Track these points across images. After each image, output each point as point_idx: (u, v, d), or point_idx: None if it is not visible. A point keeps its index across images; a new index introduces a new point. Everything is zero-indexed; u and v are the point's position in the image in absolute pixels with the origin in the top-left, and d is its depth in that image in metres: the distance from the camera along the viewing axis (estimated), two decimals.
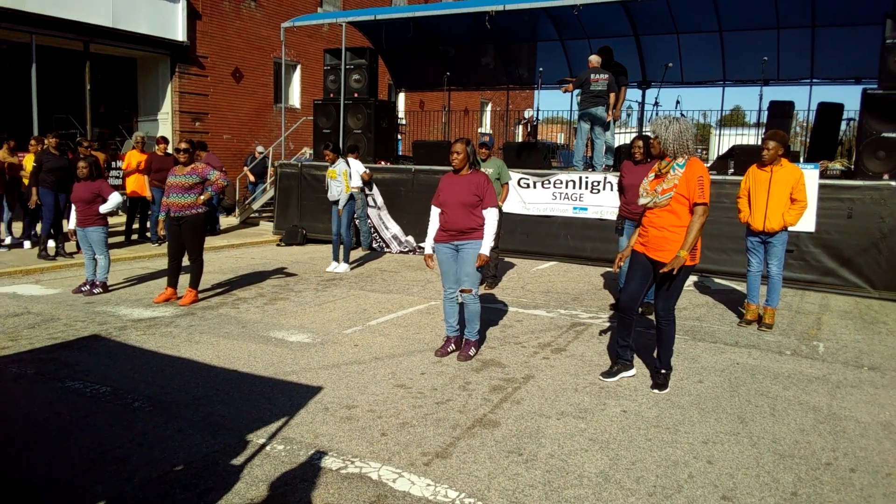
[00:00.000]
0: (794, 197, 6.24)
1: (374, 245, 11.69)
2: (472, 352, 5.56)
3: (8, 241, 10.45)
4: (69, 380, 4.75)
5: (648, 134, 4.67)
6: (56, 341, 5.67)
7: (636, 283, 4.85)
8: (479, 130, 27.28)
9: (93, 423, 4.03)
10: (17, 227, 10.78)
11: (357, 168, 11.12)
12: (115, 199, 7.47)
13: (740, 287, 8.86)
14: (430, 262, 5.58)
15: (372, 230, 11.72)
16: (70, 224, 7.61)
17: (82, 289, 7.52)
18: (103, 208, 7.40)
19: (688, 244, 4.49)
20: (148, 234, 11.68)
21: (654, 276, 4.77)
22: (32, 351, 5.39)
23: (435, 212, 5.53)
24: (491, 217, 5.37)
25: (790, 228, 6.45)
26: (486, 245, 5.34)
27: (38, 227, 10.06)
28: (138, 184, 11.22)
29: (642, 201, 4.72)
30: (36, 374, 4.85)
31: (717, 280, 9.27)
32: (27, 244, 10.31)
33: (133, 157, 11.25)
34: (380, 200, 11.91)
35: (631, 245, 4.92)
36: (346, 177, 9.31)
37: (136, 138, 11.34)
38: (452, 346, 5.67)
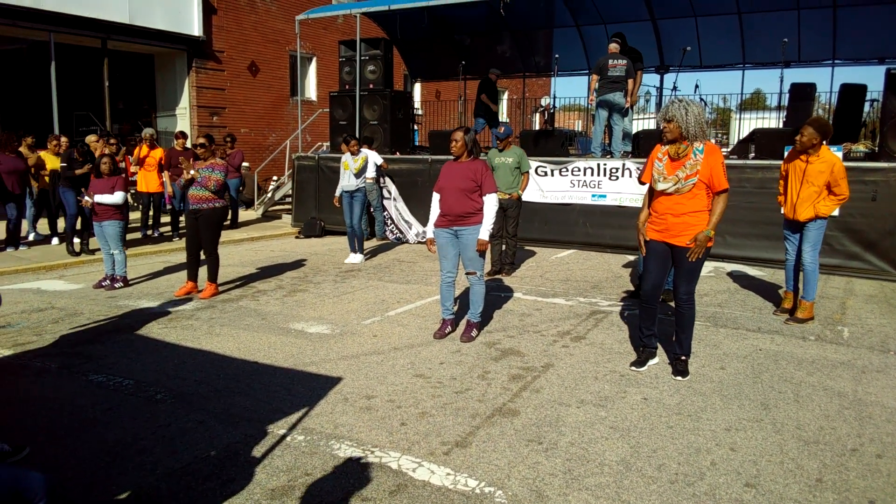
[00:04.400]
0: (836, 191, 5.92)
1: (390, 235, 11.71)
2: (473, 333, 5.72)
3: (31, 237, 10.59)
4: (92, 373, 4.81)
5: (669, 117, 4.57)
6: (80, 335, 5.74)
7: (657, 271, 4.82)
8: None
9: (116, 415, 4.08)
10: (43, 225, 10.92)
11: (375, 159, 11.17)
12: (118, 196, 7.45)
13: (761, 273, 8.76)
14: (432, 247, 5.78)
15: (387, 220, 11.74)
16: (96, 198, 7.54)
17: (103, 283, 7.60)
18: (104, 198, 7.36)
19: (713, 223, 4.53)
20: (162, 231, 11.71)
21: (674, 262, 4.74)
22: (56, 345, 5.47)
23: (435, 198, 5.73)
24: (490, 203, 5.51)
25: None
26: (485, 230, 5.50)
27: (61, 224, 10.21)
28: (147, 180, 11.22)
29: (662, 186, 4.64)
30: (60, 368, 4.92)
31: (738, 266, 9.16)
32: (55, 241, 10.44)
33: (142, 153, 11.24)
34: (394, 191, 11.90)
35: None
36: (363, 162, 9.44)
37: (146, 134, 11.37)
38: (449, 328, 5.82)
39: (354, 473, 3.36)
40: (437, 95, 22.46)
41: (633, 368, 4.96)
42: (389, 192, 11.86)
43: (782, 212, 6.33)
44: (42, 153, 10.37)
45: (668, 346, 5.41)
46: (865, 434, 3.89)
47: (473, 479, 3.32)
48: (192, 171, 7.05)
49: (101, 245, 7.63)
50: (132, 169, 11.37)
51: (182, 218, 7.21)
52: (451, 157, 5.71)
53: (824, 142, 5.98)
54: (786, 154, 8.10)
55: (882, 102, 9.18)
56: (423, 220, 11.79)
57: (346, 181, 9.41)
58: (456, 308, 5.97)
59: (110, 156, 7.69)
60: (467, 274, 5.67)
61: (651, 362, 5.01)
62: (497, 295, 7.34)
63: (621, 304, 7.03)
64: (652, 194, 4.83)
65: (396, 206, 11.85)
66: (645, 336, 5.02)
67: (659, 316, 5.12)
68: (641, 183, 5.00)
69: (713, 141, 14.42)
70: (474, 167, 5.52)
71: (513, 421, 4.03)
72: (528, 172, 8.31)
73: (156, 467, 3.41)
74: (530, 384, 4.66)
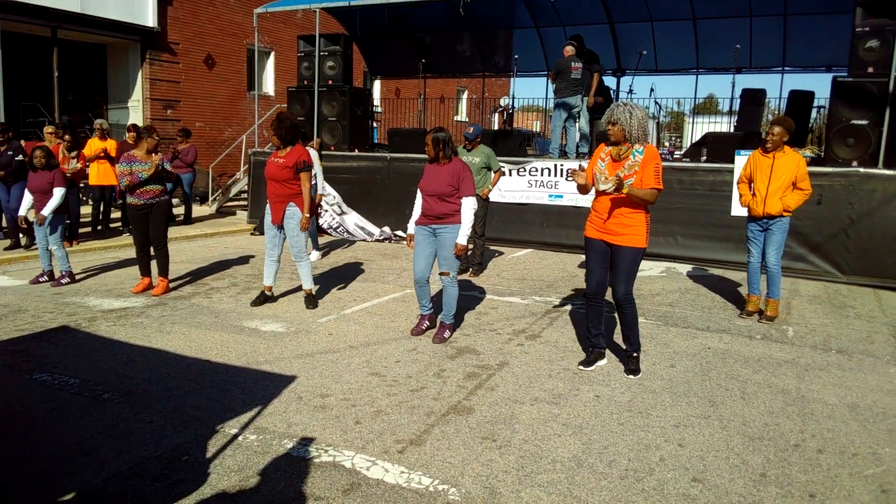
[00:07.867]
0: (800, 186, 6.15)
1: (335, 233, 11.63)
2: (446, 334, 5.67)
3: None
4: (37, 372, 4.66)
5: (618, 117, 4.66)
6: (23, 333, 5.56)
7: (600, 269, 4.92)
8: (456, 118, 27.19)
9: (61, 415, 3.97)
10: None
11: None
12: (56, 198, 7.13)
13: (712, 274, 8.97)
14: (411, 243, 5.79)
15: (343, 233, 11.58)
16: (21, 210, 7.42)
17: (40, 279, 7.36)
18: (45, 210, 7.09)
19: (634, 191, 4.55)
20: (112, 226, 11.44)
21: (612, 263, 4.85)
22: None
23: (419, 195, 5.69)
24: (467, 206, 5.48)
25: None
26: (463, 234, 5.47)
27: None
28: (100, 173, 10.95)
29: (603, 187, 4.66)
30: (2, 367, 4.76)
31: (689, 266, 9.36)
32: None
33: (93, 145, 10.95)
34: (343, 205, 11.73)
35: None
36: (318, 161, 9.24)
37: (97, 125, 11.10)
38: (427, 324, 5.83)
39: (308, 472, 3.34)
40: (396, 93, 22.40)
41: (581, 368, 5.03)
42: (339, 208, 11.66)
43: (740, 213, 6.47)
44: None
45: (615, 343, 5.50)
46: (808, 430, 4.03)
47: (427, 476, 3.33)
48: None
49: (38, 240, 7.35)
50: (70, 166, 10.91)
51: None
52: (427, 159, 5.67)
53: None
54: (737, 159, 8.31)
55: (828, 109, 9.49)
56: (381, 219, 11.72)
57: None
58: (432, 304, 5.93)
59: (42, 149, 7.39)
60: (440, 274, 5.62)
61: (599, 363, 5.08)
62: None
63: (576, 302, 7.12)
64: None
65: (350, 220, 11.67)
66: (593, 336, 5.09)
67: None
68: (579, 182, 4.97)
69: (657, 146, 14.68)
70: (452, 169, 5.48)
71: (467, 419, 4.05)
72: (500, 170, 8.41)
73: (102, 468, 3.33)
74: (485, 382, 4.69)
